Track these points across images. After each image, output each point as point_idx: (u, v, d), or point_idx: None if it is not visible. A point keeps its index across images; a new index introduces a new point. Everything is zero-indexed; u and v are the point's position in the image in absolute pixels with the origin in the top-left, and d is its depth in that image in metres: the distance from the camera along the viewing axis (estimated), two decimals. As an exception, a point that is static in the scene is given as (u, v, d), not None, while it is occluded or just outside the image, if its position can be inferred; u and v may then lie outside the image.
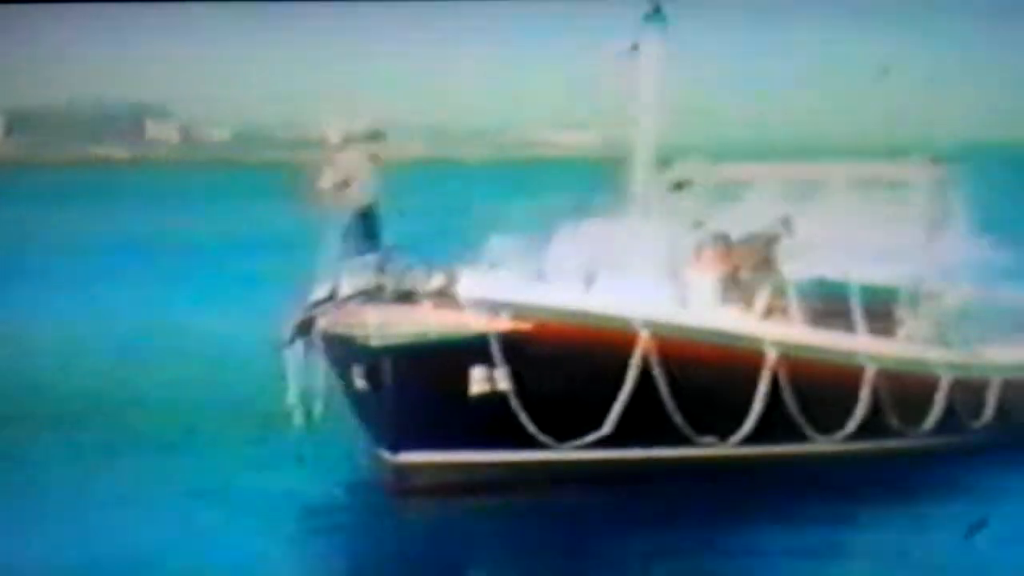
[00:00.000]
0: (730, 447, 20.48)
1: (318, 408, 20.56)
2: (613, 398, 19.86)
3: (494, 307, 19.73)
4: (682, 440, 20.26)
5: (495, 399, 19.73)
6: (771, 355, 20.55)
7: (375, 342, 19.54)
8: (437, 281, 19.93)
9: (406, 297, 19.71)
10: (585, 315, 19.92)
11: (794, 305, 21.25)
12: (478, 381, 19.76)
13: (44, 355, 29.06)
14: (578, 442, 19.98)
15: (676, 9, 23.07)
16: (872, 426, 21.21)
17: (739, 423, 20.42)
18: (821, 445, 20.95)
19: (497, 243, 21.63)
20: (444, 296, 19.78)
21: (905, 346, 21.97)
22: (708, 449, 20.41)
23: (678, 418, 20.13)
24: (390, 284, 19.74)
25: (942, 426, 21.85)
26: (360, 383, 20.02)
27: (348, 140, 20.93)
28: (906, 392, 21.54)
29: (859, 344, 21.42)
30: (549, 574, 18.07)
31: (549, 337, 19.69)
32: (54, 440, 22.55)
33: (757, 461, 20.53)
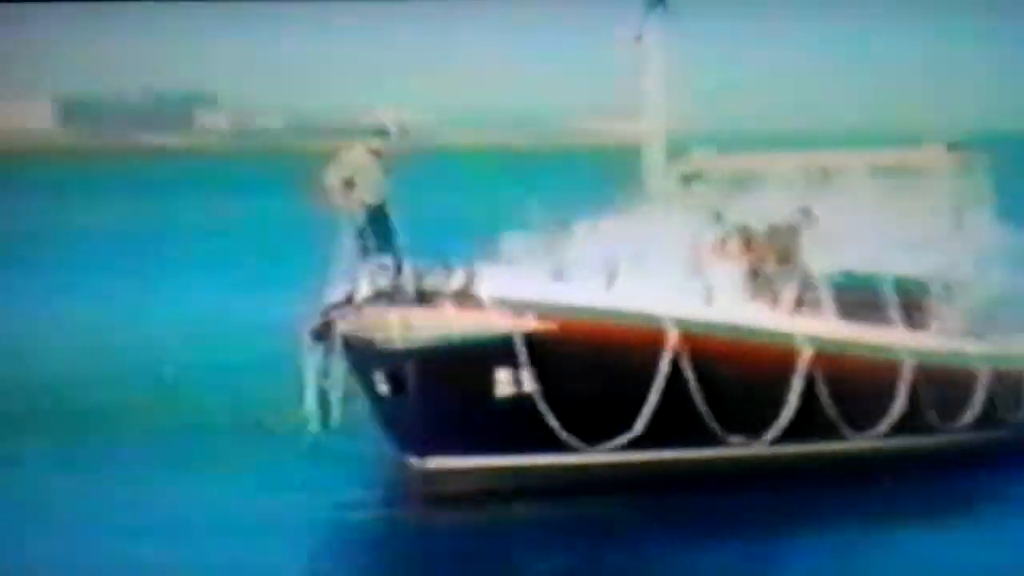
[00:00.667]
0: (763, 446, 19.85)
1: (336, 412, 19.96)
2: (642, 398, 19.21)
3: (518, 307, 19.08)
4: (713, 440, 19.64)
5: (522, 401, 19.08)
6: (805, 351, 19.91)
7: (398, 345, 18.87)
8: (457, 281, 19.27)
9: (427, 298, 19.04)
10: (612, 313, 19.27)
11: (826, 299, 20.62)
12: (504, 383, 19.12)
13: (108, 343, 29.06)
14: (608, 444, 19.34)
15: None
16: (910, 422, 20.59)
17: (772, 422, 19.78)
18: (857, 443, 20.34)
19: (513, 240, 21.07)
20: (465, 296, 19.12)
21: (941, 339, 21.35)
22: (740, 449, 19.79)
23: (709, 418, 19.50)
24: (409, 285, 19.06)
25: (981, 421, 21.25)
26: (382, 387, 19.35)
27: (374, 132, 20.06)
28: (944, 386, 20.94)
29: (895, 338, 20.81)
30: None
31: (576, 337, 19.04)
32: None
33: (791, 460, 19.91)
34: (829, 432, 20.13)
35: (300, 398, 19.97)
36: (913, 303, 21.55)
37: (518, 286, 19.30)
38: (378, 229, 20.36)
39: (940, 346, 21.30)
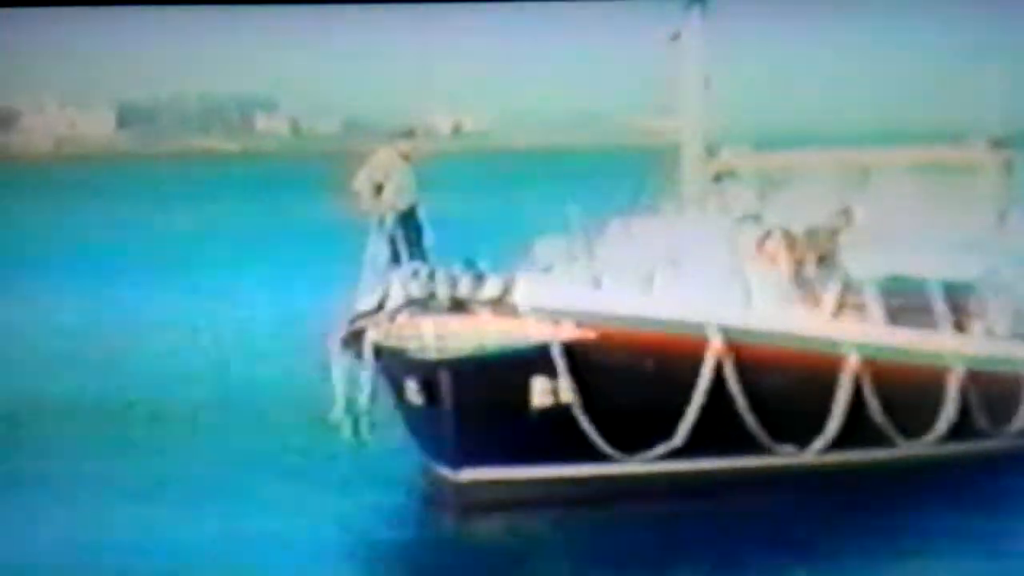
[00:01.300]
0: (811, 455, 19.21)
1: (366, 423, 19.39)
2: (684, 407, 18.58)
3: (555, 315, 18.46)
4: (759, 449, 18.98)
5: (559, 411, 18.46)
6: (853, 357, 19.25)
7: (432, 355, 18.27)
8: (493, 288, 18.63)
9: (461, 306, 18.43)
10: (653, 321, 18.63)
11: (873, 303, 19.97)
12: (540, 393, 18.48)
13: (168, 346, 28.68)
14: (648, 454, 18.72)
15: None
16: (961, 428, 19.94)
17: (819, 430, 19.14)
18: (907, 450, 19.70)
19: (545, 244, 20.49)
20: (501, 304, 18.50)
21: (990, 343, 20.69)
22: (787, 458, 19.15)
23: (755, 427, 18.85)
24: (444, 292, 18.45)
25: None
26: (415, 397, 18.75)
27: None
28: (994, 391, 20.25)
29: (944, 342, 20.15)
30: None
31: (615, 345, 18.41)
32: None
33: (839, 469, 19.27)
34: (879, 439, 19.49)
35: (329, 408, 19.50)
36: (957, 305, 20.90)
37: (556, 294, 18.68)
38: (409, 234, 19.83)
39: (988, 350, 20.64)
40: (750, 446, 18.93)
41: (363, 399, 19.44)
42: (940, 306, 20.40)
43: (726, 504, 18.74)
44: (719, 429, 18.65)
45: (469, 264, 18.78)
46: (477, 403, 18.21)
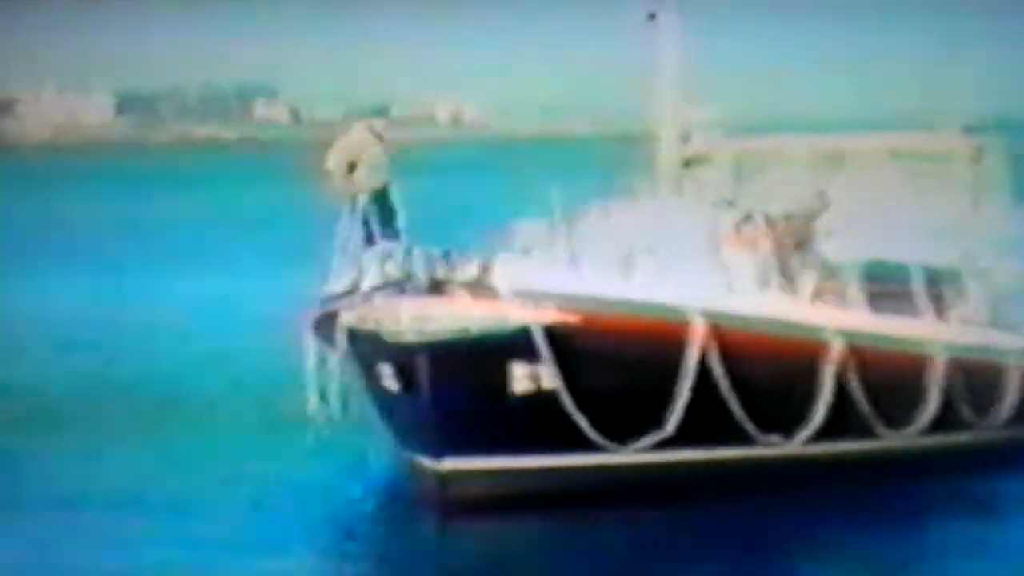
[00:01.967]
0: (796, 446, 18.71)
1: (338, 411, 18.77)
2: (670, 394, 18.02)
3: (535, 297, 17.85)
4: (745, 440, 18.47)
5: (540, 397, 17.84)
6: (837, 344, 18.77)
7: (409, 338, 17.57)
8: (471, 269, 18.01)
9: (439, 288, 17.77)
10: (636, 305, 18.05)
11: (855, 289, 19.52)
12: (520, 378, 17.87)
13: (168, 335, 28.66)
14: (638, 444, 18.13)
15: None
16: (944, 419, 19.51)
17: (805, 420, 18.65)
18: (891, 441, 19.26)
19: (523, 227, 19.92)
20: (480, 286, 17.86)
21: (970, 331, 20.29)
22: (773, 449, 18.64)
23: (740, 416, 18.32)
24: (421, 274, 17.79)
25: (1015, 417, 20.21)
26: (390, 383, 18.06)
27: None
28: (976, 381, 19.85)
29: (926, 330, 19.73)
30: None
31: (598, 330, 17.79)
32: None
33: (825, 460, 18.79)
34: (863, 430, 19.03)
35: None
36: (936, 293, 20.51)
37: (536, 276, 18.08)
38: (382, 214, 19.26)
39: (971, 338, 20.25)
40: (736, 436, 18.40)
41: (334, 386, 18.85)
42: (921, 293, 20.01)
43: (716, 495, 18.24)
44: (706, 419, 18.10)
45: (447, 249, 18.18)
46: (455, 388, 17.56)
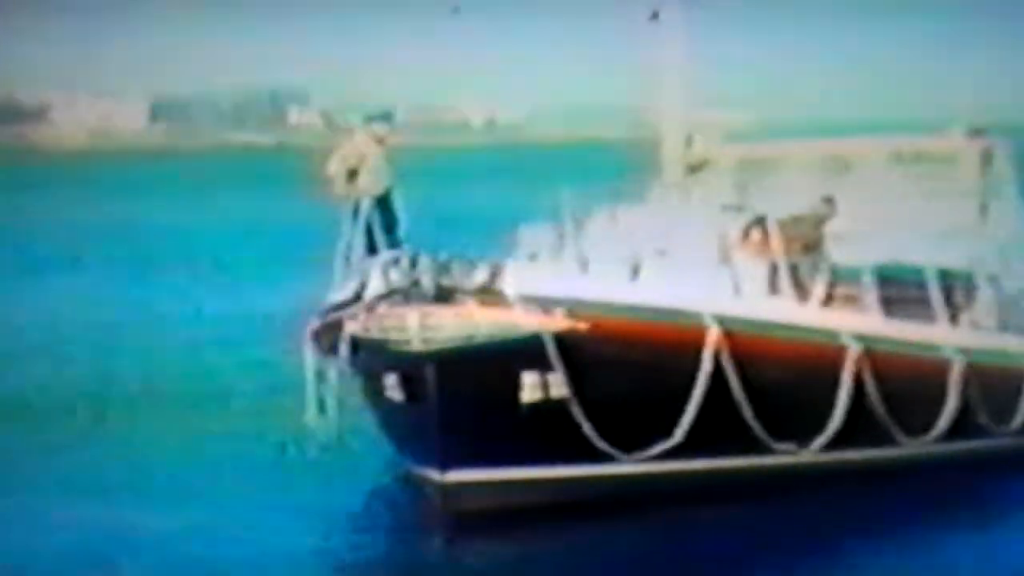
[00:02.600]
0: (811, 454, 18.25)
1: (337, 421, 18.28)
2: (682, 401, 17.51)
3: (545, 303, 17.34)
4: (759, 448, 17.99)
5: (551, 407, 17.34)
6: (853, 349, 18.32)
7: (417, 347, 17.06)
8: (480, 276, 17.49)
9: (447, 295, 17.24)
10: (647, 310, 17.55)
11: (870, 294, 19.07)
12: (530, 388, 17.36)
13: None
14: (647, 453, 17.65)
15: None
16: (962, 426, 19.06)
17: (820, 427, 18.19)
18: (908, 449, 18.80)
19: (530, 232, 19.48)
20: (489, 293, 17.35)
21: (989, 336, 19.86)
22: (787, 457, 18.18)
23: (754, 423, 17.85)
24: (428, 281, 17.27)
25: None
26: (395, 393, 17.54)
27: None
28: (993, 386, 19.42)
29: (941, 334, 19.29)
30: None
31: (610, 336, 17.28)
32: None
33: (840, 468, 18.33)
34: (879, 438, 18.57)
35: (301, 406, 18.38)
36: (950, 296, 20.10)
37: (545, 281, 17.59)
38: (384, 221, 18.77)
39: (987, 342, 19.83)
40: (750, 445, 17.93)
41: (333, 397, 18.37)
42: (936, 296, 19.60)
43: (728, 505, 17.77)
44: (719, 426, 17.61)
45: (454, 254, 17.66)
46: (463, 398, 17.05)
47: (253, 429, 20.88)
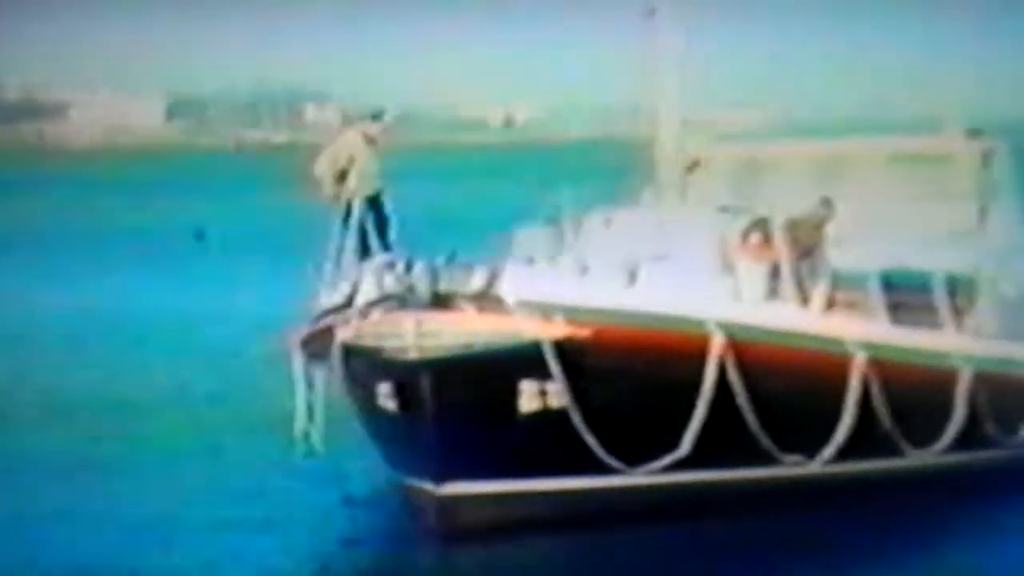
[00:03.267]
0: (819, 466, 17.69)
1: (320, 433, 17.69)
2: (687, 411, 16.93)
3: (544, 309, 16.72)
4: (764, 459, 17.42)
5: (549, 417, 16.72)
6: (860, 357, 17.78)
7: (412, 354, 16.43)
8: (476, 280, 16.84)
9: (443, 301, 16.62)
10: (649, 317, 16.95)
11: (874, 299, 18.52)
12: (528, 397, 16.75)
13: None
14: (652, 465, 17.05)
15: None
16: (969, 436, 18.53)
17: (827, 437, 17.63)
18: (915, 459, 18.26)
19: (525, 235, 18.86)
20: (486, 298, 16.71)
21: (996, 343, 19.31)
22: (795, 469, 17.61)
23: (760, 434, 17.27)
24: (423, 286, 16.62)
25: None
26: (388, 403, 16.89)
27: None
28: (1001, 396, 18.89)
29: (950, 342, 18.75)
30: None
31: (611, 343, 16.68)
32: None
33: (847, 480, 17.77)
34: (886, 448, 18.01)
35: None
36: (953, 302, 19.55)
37: (544, 286, 16.97)
38: (375, 223, 18.14)
39: (993, 350, 19.29)
40: (756, 456, 17.35)
41: (319, 406, 17.78)
42: (943, 302, 19.06)
43: (734, 519, 17.21)
44: (724, 437, 17.04)
45: (450, 257, 17.01)
46: (459, 407, 16.44)
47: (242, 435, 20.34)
